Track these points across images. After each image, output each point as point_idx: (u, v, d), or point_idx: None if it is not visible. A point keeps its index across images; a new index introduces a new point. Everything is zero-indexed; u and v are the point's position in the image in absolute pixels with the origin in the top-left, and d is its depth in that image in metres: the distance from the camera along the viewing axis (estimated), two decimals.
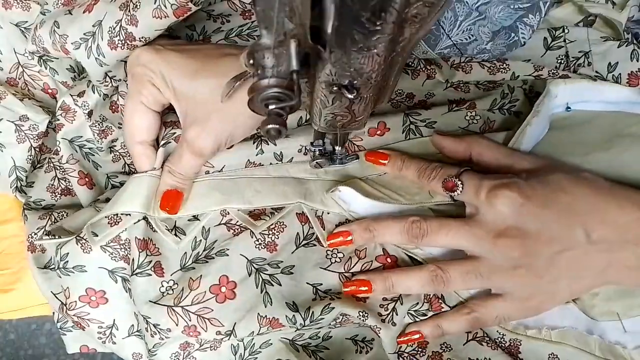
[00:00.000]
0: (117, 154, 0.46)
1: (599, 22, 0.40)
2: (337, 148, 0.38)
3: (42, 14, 0.45)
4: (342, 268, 0.40)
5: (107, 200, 0.43)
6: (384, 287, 0.38)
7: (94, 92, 0.43)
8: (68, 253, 0.41)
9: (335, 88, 0.26)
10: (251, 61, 0.24)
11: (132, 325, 0.43)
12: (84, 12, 0.39)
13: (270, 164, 0.41)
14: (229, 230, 0.40)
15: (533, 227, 0.34)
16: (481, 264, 0.36)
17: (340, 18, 0.21)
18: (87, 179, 0.45)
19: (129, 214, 0.40)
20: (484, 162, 0.38)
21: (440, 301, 0.39)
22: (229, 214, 0.40)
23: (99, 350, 0.46)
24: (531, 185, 0.35)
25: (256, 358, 0.42)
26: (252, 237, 0.40)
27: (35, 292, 0.45)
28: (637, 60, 0.38)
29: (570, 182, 0.35)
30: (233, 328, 0.39)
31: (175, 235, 0.40)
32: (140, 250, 0.39)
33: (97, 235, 0.41)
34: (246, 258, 0.39)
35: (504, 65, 0.40)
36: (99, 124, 0.44)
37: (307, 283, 0.39)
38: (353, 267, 0.39)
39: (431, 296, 0.39)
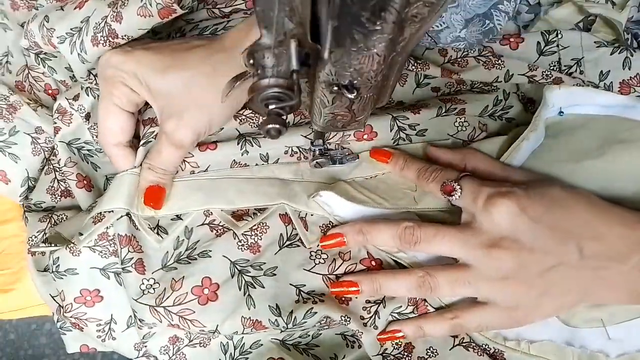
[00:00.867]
0: None
1: (599, 22, 0.40)
2: (337, 148, 0.38)
3: (35, 9, 0.45)
4: (326, 270, 0.39)
5: None
6: (371, 289, 0.38)
7: (87, 95, 0.43)
8: (58, 257, 0.42)
9: (335, 88, 0.26)
10: (251, 61, 0.24)
11: (130, 316, 0.43)
12: (75, 8, 0.40)
13: (256, 164, 0.40)
14: (211, 231, 0.40)
15: (527, 239, 0.34)
16: (471, 273, 0.36)
17: (340, 18, 0.21)
18: (85, 182, 0.45)
19: (112, 211, 0.41)
20: (478, 175, 0.38)
21: (426, 304, 0.39)
22: (212, 214, 0.40)
23: (98, 350, 0.46)
24: (529, 196, 0.34)
25: (247, 358, 0.42)
26: (234, 239, 0.40)
27: (35, 292, 0.45)
28: (629, 69, 0.38)
29: (566, 196, 0.35)
30: (216, 329, 0.39)
31: (158, 234, 0.40)
32: (123, 246, 0.40)
33: (82, 234, 0.41)
34: (229, 260, 0.39)
35: (499, 60, 0.40)
36: (96, 127, 0.44)
37: (291, 284, 0.39)
38: (337, 269, 0.39)
39: (418, 299, 0.39)
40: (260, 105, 0.25)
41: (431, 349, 0.39)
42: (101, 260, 0.42)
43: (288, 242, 0.40)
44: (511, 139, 0.39)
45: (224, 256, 0.39)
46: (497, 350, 0.38)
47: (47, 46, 0.42)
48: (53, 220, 0.45)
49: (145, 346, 0.42)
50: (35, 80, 0.48)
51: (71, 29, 0.40)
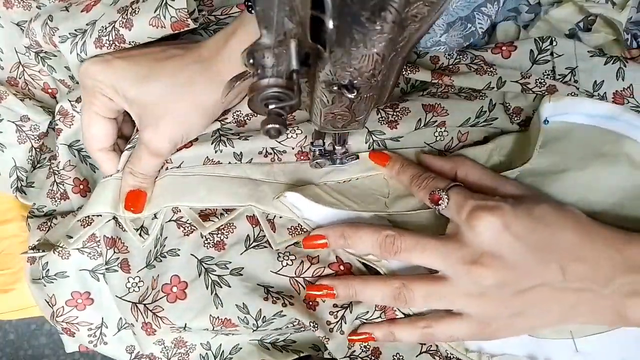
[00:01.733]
0: None
1: (599, 22, 0.40)
2: (337, 147, 0.38)
3: (37, 8, 0.45)
4: (293, 272, 0.39)
5: None
6: (346, 294, 0.37)
7: None
8: (47, 262, 0.43)
9: (335, 88, 0.26)
10: (251, 61, 0.24)
11: (121, 318, 0.44)
12: (81, 10, 0.40)
13: (229, 162, 0.40)
14: (179, 228, 0.41)
15: (509, 257, 0.33)
16: (448, 287, 0.35)
17: (340, 17, 0.21)
18: (81, 186, 0.45)
19: (100, 215, 0.42)
20: (469, 183, 0.37)
21: (394, 309, 0.39)
22: (180, 211, 0.41)
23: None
24: (515, 212, 0.33)
25: None
26: (202, 237, 0.40)
27: None
28: (623, 79, 0.38)
29: (553, 215, 0.34)
30: (185, 326, 0.39)
31: (141, 235, 0.41)
32: (108, 248, 0.41)
33: (71, 238, 0.42)
34: (196, 258, 0.40)
35: (492, 68, 0.39)
36: None
37: (259, 285, 0.39)
38: (305, 272, 0.39)
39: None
40: (260, 105, 0.25)
41: (398, 355, 0.39)
42: (90, 262, 0.43)
43: (255, 243, 0.40)
44: (496, 148, 0.38)
45: (192, 254, 0.40)
46: None
47: (47, 45, 0.42)
48: (48, 227, 0.46)
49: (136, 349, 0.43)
50: (33, 79, 0.49)
51: (75, 30, 0.40)
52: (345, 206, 0.38)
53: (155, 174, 0.41)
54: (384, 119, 0.39)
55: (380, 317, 0.39)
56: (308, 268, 0.39)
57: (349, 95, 0.26)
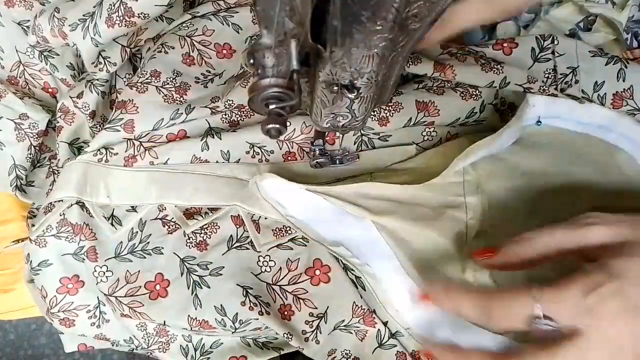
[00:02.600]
0: None
1: (599, 21, 0.40)
2: (337, 148, 0.38)
3: (41, 4, 0.45)
4: (270, 279, 0.40)
5: None
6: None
7: (92, 91, 0.43)
8: (29, 254, 0.43)
9: (335, 88, 0.26)
10: (251, 61, 0.24)
11: None
12: None
13: (217, 161, 0.40)
14: (164, 226, 0.41)
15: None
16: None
17: (341, 17, 0.21)
18: None
19: (62, 200, 0.41)
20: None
21: (373, 316, 0.38)
22: (165, 209, 0.41)
23: (96, 348, 0.46)
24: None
25: (208, 358, 0.42)
26: (184, 236, 0.40)
27: None
28: (624, 80, 0.37)
29: None
30: (164, 323, 0.40)
31: (112, 224, 0.41)
32: (75, 234, 0.41)
33: (34, 226, 0.42)
34: (179, 257, 0.40)
35: (499, 65, 0.38)
36: (99, 125, 0.44)
37: (238, 284, 0.39)
38: (281, 279, 0.39)
39: (364, 310, 0.38)
40: (261, 105, 0.25)
41: None
42: (69, 245, 0.42)
43: (237, 244, 0.40)
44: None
45: (175, 253, 0.40)
46: None
47: (55, 38, 0.42)
48: None
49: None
50: (33, 78, 0.48)
51: (83, 15, 0.40)
52: (319, 184, 0.38)
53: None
54: (375, 114, 0.39)
55: (359, 322, 0.39)
56: (285, 275, 0.39)
57: (349, 95, 0.26)
